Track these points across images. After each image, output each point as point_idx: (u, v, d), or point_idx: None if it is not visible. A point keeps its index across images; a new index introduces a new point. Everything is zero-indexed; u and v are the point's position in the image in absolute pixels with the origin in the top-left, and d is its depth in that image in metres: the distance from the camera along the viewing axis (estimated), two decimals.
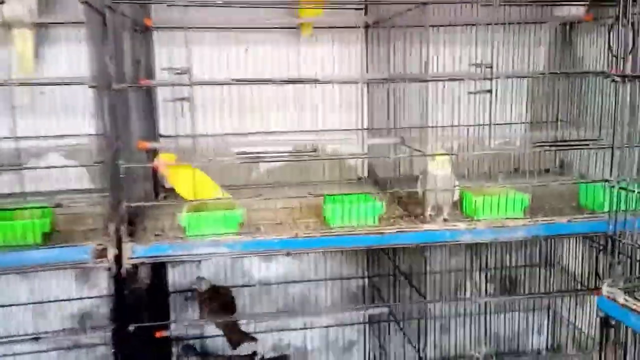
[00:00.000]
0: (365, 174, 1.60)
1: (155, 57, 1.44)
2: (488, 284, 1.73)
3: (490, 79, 1.06)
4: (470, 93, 1.08)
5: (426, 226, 1.08)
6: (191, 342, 1.48)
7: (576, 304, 1.60)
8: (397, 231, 1.07)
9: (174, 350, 1.50)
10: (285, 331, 1.61)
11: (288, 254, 1.04)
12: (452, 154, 1.09)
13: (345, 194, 1.11)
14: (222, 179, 1.52)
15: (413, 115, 1.13)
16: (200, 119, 1.49)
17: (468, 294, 1.69)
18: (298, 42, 1.50)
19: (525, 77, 1.14)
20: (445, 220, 1.11)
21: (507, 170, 1.52)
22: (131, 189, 1.06)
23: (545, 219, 1.12)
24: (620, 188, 0.83)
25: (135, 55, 1.22)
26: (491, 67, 1.06)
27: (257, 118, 1.51)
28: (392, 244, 1.07)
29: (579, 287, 1.55)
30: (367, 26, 1.50)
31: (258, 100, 1.51)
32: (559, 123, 1.68)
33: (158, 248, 1.00)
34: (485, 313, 1.69)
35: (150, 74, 1.44)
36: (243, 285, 1.58)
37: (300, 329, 1.62)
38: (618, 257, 0.84)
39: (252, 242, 1.03)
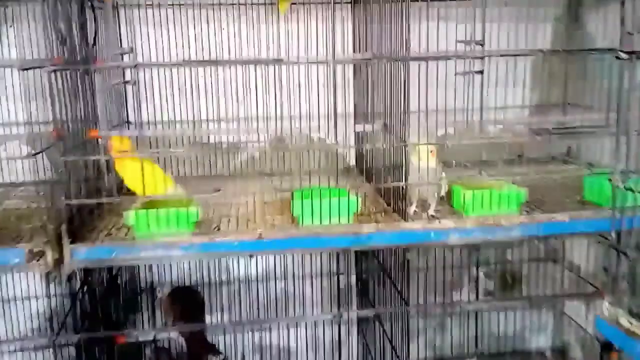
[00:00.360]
0: (354, 163, 1.48)
1: (121, 36, 1.33)
2: (487, 281, 1.61)
3: (482, 58, 0.93)
4: (457, 74, 0.94)
5: (407, 225, 0.96)
6: (163, 344, 1.38)
7: (585, 304, 1.47)
8: (375, 231, 0.95)
9: (147, 351, 1.41)
10: (266, 331, 1.51)
11: (251, 257, 0.93)
12: (436, 144, 0.96)
13: (316, 188, 0.99)
14: (199, 168, 1.42)
15: (401, 99, 1.00)
16: (170, 104, 1.37)
17: (465, 292, 1.58)
18: (279, 20, 1.37)
19: (519, 55, 1.00)
20: (431, 217, 0.99)
21: (508, 158, 1.40)
22: (81, 183, 0.95)
23: (543, 216, 0.99)
24: (627, 189, 0.69)
25: (92, 34, 1.10)
26: (482, 45, 0.93)
27: (235, 103, 1.39)
28: (368, 245, 0.95)
29: (586, 285, 1.43)
30: (354, 1, 1.37)
31: (236, 84, 1.39)
32: (566, 107, 1.55)
33: (101, 251, 0.89)
34: (484, 310, 1.57)
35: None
36: (221, 283, 1.48)
37: (284, 327, 1.51)
38: (621, 268, 0.71)
39: (210, 244, 0.91)
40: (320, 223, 0.95)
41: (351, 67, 1.40)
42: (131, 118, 1.38)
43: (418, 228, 0.96)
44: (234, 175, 1.39)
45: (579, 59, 1.41)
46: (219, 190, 0.92)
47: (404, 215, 0.99)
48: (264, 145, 1.11)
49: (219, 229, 0.95)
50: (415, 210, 1.02)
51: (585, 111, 1.35)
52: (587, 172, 1.09)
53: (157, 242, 0.90)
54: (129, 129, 1.37)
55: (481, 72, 0.92)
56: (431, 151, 0.96)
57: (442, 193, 1.00)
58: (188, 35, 1.32)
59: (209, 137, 1.40)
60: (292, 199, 0.96)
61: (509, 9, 1.37)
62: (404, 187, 0.97)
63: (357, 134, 1.42)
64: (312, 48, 1.39)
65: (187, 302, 1.18)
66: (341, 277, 1.51)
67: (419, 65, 0.93)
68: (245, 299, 1.50)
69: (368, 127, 1.13)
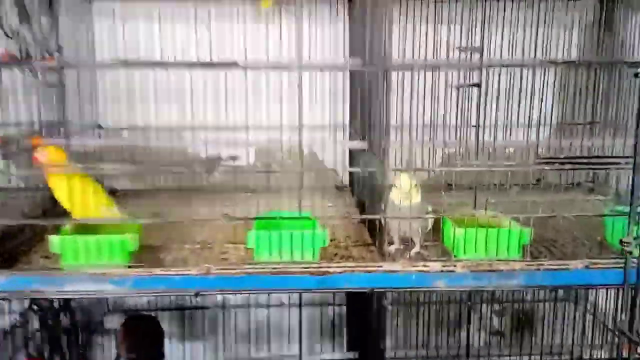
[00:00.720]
0: (348, 181, 1.33)
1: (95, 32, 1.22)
2: (496, 319, 1.44)
3: (480, 69, 0.77)
4: (447, 87, 0.79)
5: (385, 266, 0.80)
6: None
7: (609, 354, 1.28)
8: (342, 271, 0.79)
9: None
10: None
11: (197, 295, 0.79)
12: (421, 170, 0.80)
13: (285, 214, 0.84)
14: (172, 181, 1.29)
15: (382, 114, 0.84)
16: (144, 108, 1.25)
17: (469, 331, 1.40)
18: (272, 18, 1.23)
19: (517, 66, 0.82)
20: (413, 256, 0.83)
21: (524, 182, 1.23)
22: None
23: (552, 262, 0.82)
24: None
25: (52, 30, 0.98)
26: (481, 53, 0.77)
27: (213, 110, 1.26)
28: (336, 288, 0.80)
29: (609, 330, 1.24)
30: None
31: (215, 89, 1.25)
32: (593, 126, 1.37)
33: (20, 281, 0.76)
34: (490, 356, 1.39)
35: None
36: (196, 307, 1.35)
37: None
38: None
39: (147, 279, 0.78)
40: (280, 259, 0.80)
41: (347, 74, 1.25)
42: (104, 123, 1.26)
43: (397, 270, 0.80)
44: (209, 190, 1.25)
45: (609, 72, 1.23)
46: (156, 216, 0.78)
47: (382, 254, 0.83)
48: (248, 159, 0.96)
49: (161, 260, 0.81)
50: (398, 248, 0.86)
51: (611, 132, 1.16)
52: (608, 209, 0.91)
53: (85, 273, 0.77)
54: (100, 135, 1.25)
55: (477, 85, 0.76)
56: (414, 185, 0.80)
57: (428, 228, 0.84)
58: (175, 34, 1.19)
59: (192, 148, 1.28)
60: (249, 230, 0.81)
61: (528, 10, 1.20)
62: (382, 221, 0.82)
63: (350, 151, 1.27)
64: (307, 50, 1.25)
65: (144, 332, 1.04)
66: (332, 307, 1.37)
67: (403, 75, 0.77)
68: (227, 326, 1.37)
69: (358, 144, 0.99)
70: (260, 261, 0.80)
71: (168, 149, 1.23)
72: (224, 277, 0.78)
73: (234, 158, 0.76)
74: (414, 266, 0.81)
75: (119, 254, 0.78)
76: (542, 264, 0.82)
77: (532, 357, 1.36)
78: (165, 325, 1.36)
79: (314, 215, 0.86)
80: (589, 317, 1.34)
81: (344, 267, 0.80)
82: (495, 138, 1.05)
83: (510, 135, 1.27)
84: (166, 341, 1.36)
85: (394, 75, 0.75)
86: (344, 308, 1.33)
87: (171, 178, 1.27)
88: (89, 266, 0.77)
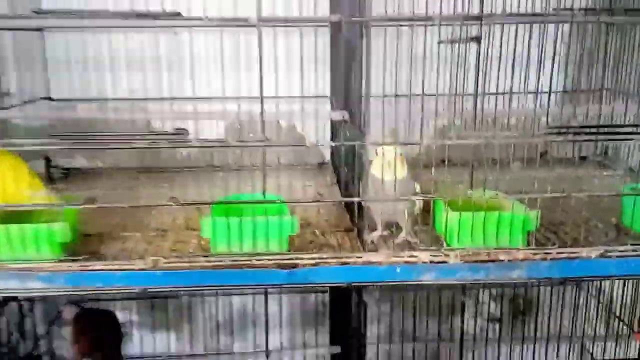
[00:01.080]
0: (329, 157, 1.20)
1: None
2: (494, 305, 1.33)
3: (480, 24, 0.64)
4: (440, 42, 0.65)
5: (364, 257, 0.68)
6: None
7: (615, 344, 1.18)
8: (315, 264, 0.67)
9: None
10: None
11: (145, 292, 0.67)
12: (406, 143, 0.67)
13: (239, 203, 0.71)
14: (136, 160, 1.16)
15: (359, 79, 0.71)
16: (99, 77, 1.11)
17: (465, 318, 1.30)
18: None
19: (527, 18, 0.69)
20: (398, 246, 0.71)
21: (527, 156, 1.11)
22: None
23: (561, 251, 0.70)
24: None
25: None
26: (482, 3, 0.63)
27: (186, 78, 1.12)
28: (308, 283, 0.68)
29: (615, 319, 1.14)
30: None
31: (179, 56, 1.12)
32: (603, 92, 1.24)
33: None
34: (487, 342, 1.29)
35: None
36: (167, 296, 1.23)
37: (241, 352, 1.26)
38: None
39: (81, 275, 0.65)
40: (241, 250, 0.68)
41: (327, 35, 1.11)
42: (56, 93, 1.13)
43: (379, 262, 0.68)
44: (176, 168, 1.12)
45: (621, 31, 1.10)
46: (92, 202, 0.65)
47: (362, 243, 0.71)
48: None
49: (98, 253, 0.69)
50: (381, 235, 0.74)
51: (625, 99, 1.04)
52: (626, 188, 0.78)
53: (8, 269, 0.65)
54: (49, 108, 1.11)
55: (477, 39, 0.63)
56: (400, 155, 0.68)
57: (417, 211, 0.72)
58: None
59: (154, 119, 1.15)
60: (204, 217, 0.68)
61: None
62: (360, 205, 0.70)
63: (332, 123, 1.14)
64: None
65: (99, 330, 0.92)
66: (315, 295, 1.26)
67: (385, 31, 0.64)
68: (202, 314, 1.26)
69: (337, 115, 0.86)
70: (218, 253, 0.68)
71: (130, 123, 1.10)
72: (173, 273, 0.66)
73: (180, 132, 0.63)
74: (398, 257, 0.69)
75: (49, 245, 0.65)
76: (549, 253, 0.70)
77: (534, 345, 1.25)
78: (133, 315, 1.26)
79: (283, 198, 0.73)
80: (594, 302, 1.23)
81: (317, 258, 0.68)
82: (495, 106, 0.92)
83: (510, 103, 1.14)
84: (134, 332, 1.26)
85: (378, 37, 0.62)
86: (327, 296, 1.22)
87: (136, 156, 1.15)
88: (13, 260, 0.65)
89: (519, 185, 0.75)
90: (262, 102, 0.65)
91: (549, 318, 1.25)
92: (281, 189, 1.01)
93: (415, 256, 0.69)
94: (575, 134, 0.67)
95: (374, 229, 0.75)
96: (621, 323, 1.10)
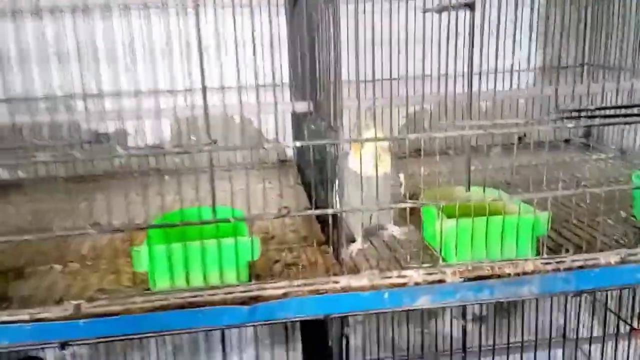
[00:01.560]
0: (292, 154, 1.07)
1: None
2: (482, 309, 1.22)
3: None
4: (425, 12, 0.52)
5: (343, 281, 0.55)
6: None
7: (614, 345, 1.08)
8: (284, 294, 0.54)
9: None
10: None
11: (63, 348, 0.52)
12: (390, 139, 0.55)
13: (182, 225, 0.56)
14: (70, 167, 1.00)
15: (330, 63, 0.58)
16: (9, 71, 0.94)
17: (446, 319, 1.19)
18: None
19: None
20: (386, 241, 0.58)
21: (505, 142, 1.00)
22: None
23: (575, 258, 0.58)
24: None
25: None
26: None
27: (110, 72, 0.96)
28: (275, 319, 0.54)
29: (612, 317, 1.04)
30: None
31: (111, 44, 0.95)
32: (584, 68, 1.15)
33: None
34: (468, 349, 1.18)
35: None
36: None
37: None
38: None
39: None
40: (188, 284, 0.53)
41: (282, 15, 0.96)
42: None
43: (362, 287, 0.55)
44: (114, 175, 0.96)
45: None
46: None
47: (339, 261, 0.58)
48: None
49: (3, 298, 0.53)
50: (361, 249, 0.61)
51: (609, 75, 0.94)
52: (637, 177, 0.67)
53: None
54: None
55: (470, 5, 0.50)
56: (384, 150, 0.55)
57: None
58: None
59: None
60: (132, 247, 0.53)
61: None
62: (334, 216, 0.57)
63: (295, 114, 1.00)
64: None
65: None
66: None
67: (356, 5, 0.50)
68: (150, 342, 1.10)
69: (301, 107, 0.73)
70: (159, 289, 0.53)
71: (55, 125, 0.93)
72: (101, 320, 0.51)
73: (103, 139, 0.48)
74: (385, 278, 0.56)
75: None
76: (562, 261, 0.58)
77: (521, 351, 1.14)
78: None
79: (240, 212, 0.59)
80: (589, 298, 1.14)
81: (286, 287, 0.55)
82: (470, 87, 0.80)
83: (481, 83, 1.02)
84: None
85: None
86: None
87: (64, 164, 0.98)
88: None
89: (504, 175, 0.63)
90: (204, 96, 0.50)
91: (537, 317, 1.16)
92: (237, 194, 0.87)
93: (406, 276, 0.56)
94: (589, 117, 0.56)
95: (352, 240, 0.62)
96: (618, 320, 1.01)
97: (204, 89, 0.50)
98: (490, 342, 1.16)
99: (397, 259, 0.61)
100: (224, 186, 0.85)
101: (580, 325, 1.13)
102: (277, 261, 0.63)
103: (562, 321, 1.19)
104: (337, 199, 0.57)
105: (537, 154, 0.65)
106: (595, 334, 1.08)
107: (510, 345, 1.14)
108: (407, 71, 0.68)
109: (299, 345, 1.10)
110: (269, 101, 1.03)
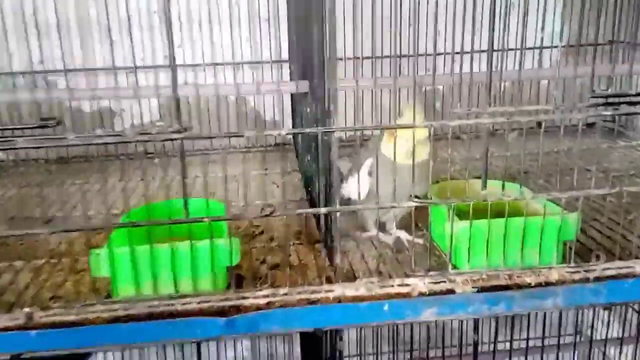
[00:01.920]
0: (291, 136, 0.99)
1: None
2: None
3: None
4: None
5: (338, 290, 0.48)
6: None
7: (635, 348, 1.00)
8: (267, 304, 0.46)
9: None
10: None
11: None
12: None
13: (150, 225, 0.48)
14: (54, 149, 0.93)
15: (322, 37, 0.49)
16: None
17: None
18: None
19: None
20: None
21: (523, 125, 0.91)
22: None
23: (607, 266, 0.50)
24: None
25: None
26: None
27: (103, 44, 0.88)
28: (257, 332, 0.47)
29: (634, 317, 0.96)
30: None
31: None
32: (613, 46, 1.05)
33: None
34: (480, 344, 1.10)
35: None
36: None
37: None
38: None
39: None
40: (156, 292, 0.46)
41: None
42: None
43: (359, 297, 0.48)
44: (100, 156, 0.90)
45: None
46: None
47: (333, 266, 0.51)
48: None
49: None
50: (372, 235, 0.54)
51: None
52: None
53: None
54: None
55: None
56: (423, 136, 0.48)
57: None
58: None
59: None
60: (94, 250, 0.46)
61: None
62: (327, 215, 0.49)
63: (293, 96, 0.92)
64: None
65: None
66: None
67: None
68: None
69: (293, 87, 0.65)
70: (123, 297, 0.46)
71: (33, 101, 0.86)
72: (56, 332, 0.45)
73: (50, 123, 0.41)
74: (385, 286, 0.48)
75: None
76: (591, 269, 0.50)
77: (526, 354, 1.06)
78: None
79: (221, 205, 0.52)
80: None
81: (270, 295, 0.47)
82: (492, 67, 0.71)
83: (500, 63, 0.93)
84: None
85: None
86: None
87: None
88: None
89: (522, 163, 0.55)
90: (174, 74, 0.42)
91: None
92: (230, 181, 0.80)
93: (409, 285, 0.48)
94: (631, 103, 0.47)
95: (364, 229, 0.55)
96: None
97: (174, 67, 0.42)
98: (501, 337, 1.09)
99: (399, 262, 0.54)
100: (215, 170, 0.77)
101: (598, 322, 1.05)
102: (263, 261, 0.56)
103: (575, 317, 1.11)
104: (357, 189, 0.50)
105: (558, 139, 0.57)
106: (613, 335, 1.00)
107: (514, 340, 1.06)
108: (416, 48, 0.60)
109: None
110: (266, 80, 0.96)
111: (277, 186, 0.86)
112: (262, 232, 0.63)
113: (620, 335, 0.95)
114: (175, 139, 0.43)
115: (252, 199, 0.74)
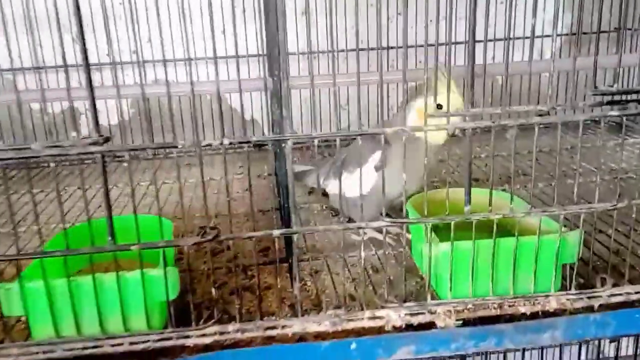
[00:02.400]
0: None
1: None
2: None
3: None
4: None
5: (296, 325, 0.41)
6: None
7: None
8: (212, 343, 0.39)
9: None
10: None
11: None
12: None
13: (70, 255, 0.41)
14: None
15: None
16: None
17: None
18: None
19: None
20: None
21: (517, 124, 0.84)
22: None
23: (615, 292, 0.43)
24: None
25: None
26: None
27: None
28: None
29: None
30: None
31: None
32: (620, 33, 0.97)
33: None
34: None
35: None
36: None
37: None
38: None
39: None
40: (79, 333, 0.39)
41: None
42: None
43: (322, 333, 0.40)
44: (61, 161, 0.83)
45: None
46: None
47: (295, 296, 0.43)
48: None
49: None
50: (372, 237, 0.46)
51: None
52: None
53: None
54: None
55: None
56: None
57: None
58: None
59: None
60: (2, 286, 0.39)
61: None
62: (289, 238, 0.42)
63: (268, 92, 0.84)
64: None
65: None
66: None
67: None
68: None
69: (258, 83, 0.58)
70: (40, 340, 0.39)
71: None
72: None
73: None
74: (353, 319, 0.41)
75: None
76: (597, 295, 0.43)
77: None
78: None
79: (167, 222, 0.45)
80: None
81: (217, 333, 0.40)
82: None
83: (494, 53, 0.85)
84: None
85: None
86: None
87: None
88: None
89: (520, 163, 0.48)
90: (87, 74, 0.35)
91: None
92: (197, 186, 0.73)
93: (382, 317, 0.41)
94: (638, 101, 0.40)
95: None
96: None
97: (87, 67, 0.35)
98: None
99: (374, 284, 0.47)
100: (191, 174, 0.71)
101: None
102: (222, 285, 0.49)
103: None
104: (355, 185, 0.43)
105: (563, 136, 0.50)
106: (627, 353, 0.92)
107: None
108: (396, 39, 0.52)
109: None
110: (243, 77, 0.89)
111: (251, 193, 0.79)
112: (228, 248, 0.56)
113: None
114: (93, 153, 0.36)
115: (220, 208, 0.67)
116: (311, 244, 0.57)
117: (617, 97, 0.38)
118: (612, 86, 0.38)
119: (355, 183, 0.49)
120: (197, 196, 0.74)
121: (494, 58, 0.81)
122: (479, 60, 0.39)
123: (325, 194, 0.64)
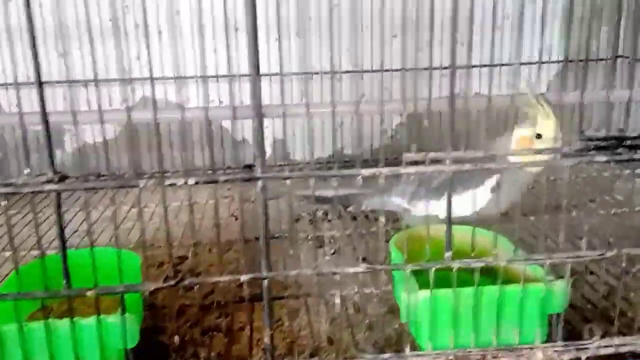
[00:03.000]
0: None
1: None
2: None
3: None
4: None
5: None
6: None
7: None
8: None
9: None
10: None
11: None
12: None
13: (25, 298, 0.37)
14: None
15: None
16: None
17: None
18: None
19: None
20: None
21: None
22: None
23: (605, 343, 0.40)
24: None
25: None
26: None
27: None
28: None
29: None
30: None
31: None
32: (618, 61, 0.95)
33: None
34: None
35: None
36: None
37: None
38: None
39: None
40: None
41: None
42: None
43: None
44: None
45: None
46: None
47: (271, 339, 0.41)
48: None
49: None
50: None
51: None
52: None
53: None
54: None
55: None
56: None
57: None
58: None
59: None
60: None
61: None
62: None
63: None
64: None
65: None
66: None
67: None
68: None
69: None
70: None
71: None
72: None
73: None
74: None
75: None
76: (585, 347, 0.40)
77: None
78: None
79: (136, 257, 0.42)
80: None
81: None
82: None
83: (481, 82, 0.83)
84: None
85: None
86: None
87: None
88: None
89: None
90: (41, 99, 0.33)
91: None
92: (182, 211, 0.71)
93: None
94: (631, 147, 0.38)
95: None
96: None
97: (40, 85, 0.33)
98: None
99: (353, 328, 0.44)
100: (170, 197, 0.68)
101: None
102: (194, 324, 0.47)
103: None
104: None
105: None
106: None
107: None
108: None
109: None
110: (234, 92, 0.87)
111: (236, 218, 0.77)
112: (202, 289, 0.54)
113: None
114: (48, 191, 0.34)
115: (204, 233, 0.65)
116: (293, 279, 0.55)
117: (605, 144, 0.36)
118: (598, 130, 0.36)
119: (468, 203, 0.52)
120: (180, 221, 0.72)
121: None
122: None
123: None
